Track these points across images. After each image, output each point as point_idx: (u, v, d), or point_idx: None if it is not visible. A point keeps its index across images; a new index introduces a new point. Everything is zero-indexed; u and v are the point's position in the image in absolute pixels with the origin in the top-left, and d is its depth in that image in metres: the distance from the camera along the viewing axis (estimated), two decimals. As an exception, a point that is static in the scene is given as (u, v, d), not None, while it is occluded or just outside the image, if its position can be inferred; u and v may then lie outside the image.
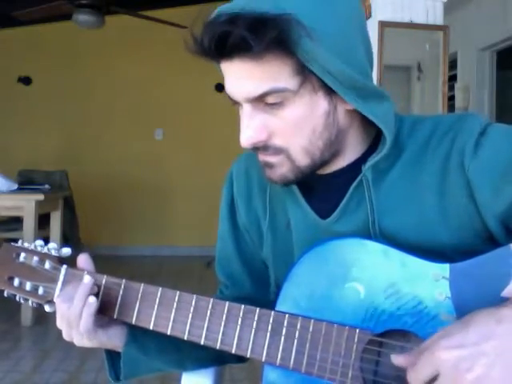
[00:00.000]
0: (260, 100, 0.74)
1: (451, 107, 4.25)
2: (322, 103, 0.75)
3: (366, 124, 0.81)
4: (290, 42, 0.68)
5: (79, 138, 6.14)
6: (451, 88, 4.21)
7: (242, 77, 0.73)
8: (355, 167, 0.81)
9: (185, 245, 6.07)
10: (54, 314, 0.87)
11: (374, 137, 0.83)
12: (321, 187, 0.85)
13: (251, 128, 0.75)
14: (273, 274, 0.92)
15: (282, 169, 0.78)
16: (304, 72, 0.71)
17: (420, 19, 3.01)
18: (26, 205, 3.48)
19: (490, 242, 0.76)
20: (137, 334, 0.88)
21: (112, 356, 0.91)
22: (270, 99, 0.73)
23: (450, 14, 3.58)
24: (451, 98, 4.27)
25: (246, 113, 0.75)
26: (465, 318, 0.64)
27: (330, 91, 0.74)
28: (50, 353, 3.03)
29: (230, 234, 0.96)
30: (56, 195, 3.98)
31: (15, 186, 3.69)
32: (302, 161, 0.78)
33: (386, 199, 0.80)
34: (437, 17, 3.05)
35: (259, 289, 0.95)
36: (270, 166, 0.79)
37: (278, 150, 0.77)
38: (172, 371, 0.94)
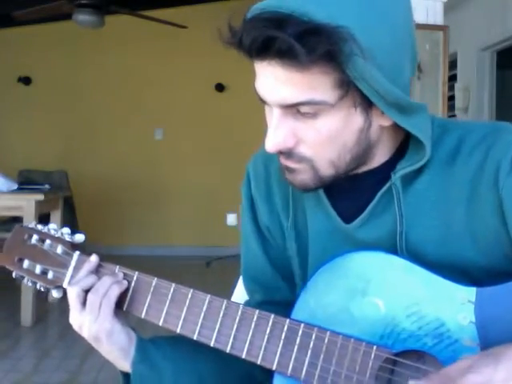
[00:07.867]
0: (293, 107, 0.70)
1: (451, 107, 4.25)
2: (357, 119, 0.71)
3: (396, 128, 0.76)
4: (340, 57, 0.64)
5: (79, 138, 6.14)
6: (451, 88, 4.21)
7: (279, 82, 0.68)
8: (384, 169, 0.78)
9: (185, 245, 6.06)
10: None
11: (403, 138, 0.79)
12: (346, 187, 0.80)
13: (279, 135, 0.71)
14: (296, 275, 0.89)
15: (302, 175, 0.75)
16: (347, 86, 0.67)
17: (420, 19, 3.00)
18: (26, 205, 3.48)
19: None
20: (148, 351, 0.83)
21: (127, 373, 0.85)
22: (304, 109, 0.69)
23: (449, 13, 3.58)
24: (451, 98, 4.27)
25: (276, 117, 0.71)
26: (494, 351, 0.61)
27: (367, 107, 0.70)
28: (50, 353, 3.03)
29: (254, 235, 0.92)
30: (56, 195, 3.98)
31: (15, 186, 3.69)
32: (326, 172, 0.74)
33: (412, 209, 0.75)
34: (437, 17, 3.05)
35: (293, 290, 0.89)
36: (290, 170, 0.76)
37: (303, 159, 0.73)
38: None
